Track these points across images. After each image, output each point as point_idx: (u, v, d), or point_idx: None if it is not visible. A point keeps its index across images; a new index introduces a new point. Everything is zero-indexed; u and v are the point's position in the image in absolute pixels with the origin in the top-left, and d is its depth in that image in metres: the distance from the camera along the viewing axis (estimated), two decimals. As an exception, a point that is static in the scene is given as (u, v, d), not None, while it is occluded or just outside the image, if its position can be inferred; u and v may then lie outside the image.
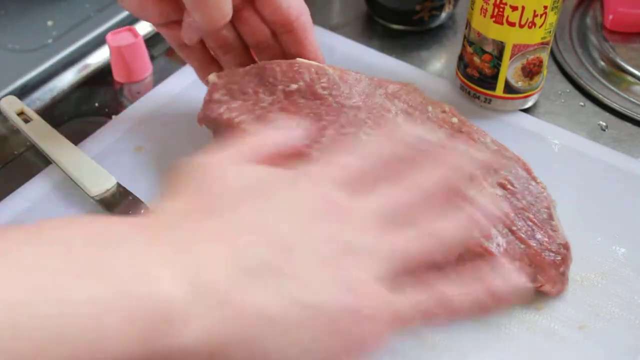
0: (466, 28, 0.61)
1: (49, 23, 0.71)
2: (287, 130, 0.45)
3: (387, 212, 0.39)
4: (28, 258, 0.32)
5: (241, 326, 0.34)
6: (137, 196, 0.54)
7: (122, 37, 0.65)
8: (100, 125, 0.62)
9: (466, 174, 0.43)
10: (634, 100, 0.65)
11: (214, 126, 0.55)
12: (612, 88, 0.66)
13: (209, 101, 0.54)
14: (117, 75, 0.66)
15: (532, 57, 0.59)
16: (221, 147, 0.41)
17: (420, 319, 0.38)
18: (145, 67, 0.66)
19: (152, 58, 0.68)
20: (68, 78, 0.67)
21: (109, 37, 0.64)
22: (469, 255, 0.45)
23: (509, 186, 0.50)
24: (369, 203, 0.39)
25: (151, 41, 0.68)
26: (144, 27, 0.71)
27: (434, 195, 0.40)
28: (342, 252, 0.37)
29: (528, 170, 0.52)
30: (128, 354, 0.32)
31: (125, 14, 0.71)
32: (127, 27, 0.66)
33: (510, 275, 0.41)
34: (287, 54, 0.56)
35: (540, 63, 0.60)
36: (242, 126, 0.52)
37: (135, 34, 0.65)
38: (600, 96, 0.65)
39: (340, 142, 0.49)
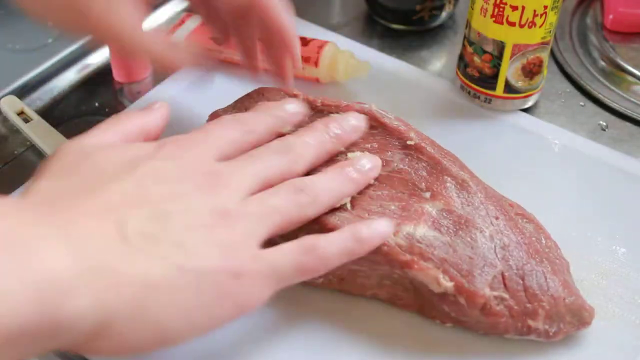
0: (466, 28, 0.61)
1: (49, 23, 0.71)
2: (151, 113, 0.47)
3: (260, 177, 0.42)
4: None
5: (126, 294, 0.35)
6: (137, 196, 0.54)
7: None
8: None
9: (342, 138, 0.48)
10: (634, 100, 0.65)
11: None
12: (613, 88, 0.66)
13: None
14: (117, 75, 0.66)
15: (532, 57, 0.59)
16: (95, 129, 0.44)
17: (296, 272, 0.40)
18: (145, 67, 0.66)
19: None
20: (68, 78, 0.67)
21: None
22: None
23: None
24: (242, 167, 0.42)
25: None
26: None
27: (310, 157, 0.45)
28: (218, 217, 0.39)
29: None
30: (18, 326, 0.32)
31: (125, 14, 0.71)
32: None
33: (377, 223, 0.44)
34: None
35: (540, 63, 0.60)
36: None
37: None
38: (601, 96, 0.65)
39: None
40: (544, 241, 0.48)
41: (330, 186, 0.44)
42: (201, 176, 0.40)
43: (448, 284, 0.44)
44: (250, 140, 0.45)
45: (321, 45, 0.64)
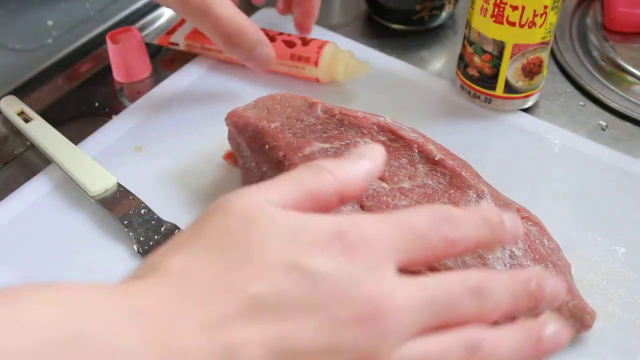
0: (466, 28, 0.61)
1: (49, 23, 0.71)
2: (358, 166, 0.37)
3: (437, 309, 0.33)
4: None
5: None
6: (137, 196, 0.54)
7: (122, 37, 0.65)
8: (100, 125, 0.62)
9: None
10: (634, 100, 0.65)
11: (240, 133, 0.54)
12: (612, 88, 0.66)
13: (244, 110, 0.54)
14: (117, 75, 0.66)
15: (532, 56, 0.59)
16: (258, 186, 0.35)
17: None
18: (145, 67, 0.66)
19: (152, 57, 0.68)
20: (68, 78, 0.67)
21: (109, 37, 0.64)
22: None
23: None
24: (420, 295, 0.32)
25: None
26: (144, 27, 0.71)
27: (494, 309, 0.34)
28: (362, 356, 0.31)
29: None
30: None
31: (125, 13, 0.71)
32: (127, 27, 0.66)
33: (559, 332, 0.36)
34: None
35: (540, 63, 0.60)
36: (281, 136, 0.51)
37: (135, 34, 0.65)
38: (601, 96, 0.65)
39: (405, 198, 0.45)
40: (547, 243, 0.48)
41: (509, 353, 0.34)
42: (364, 307, 0.31)
43: None
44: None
45: (321, 45, 0.64)
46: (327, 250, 0.32)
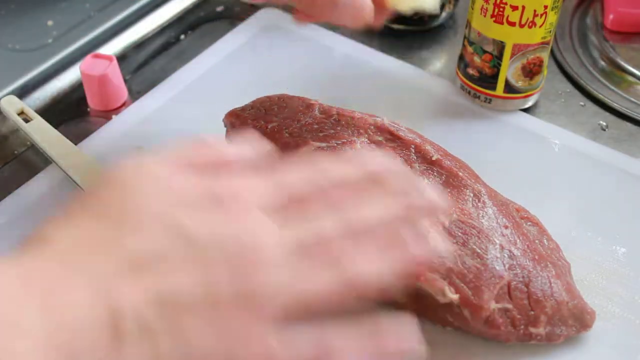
0: (466, 28, 0.61)
1: (49, 23, 0.71)
2: (244, 144, 0.40)
3: (305, 247, 0.35)
4: None
5: None
6: (137, 196, 0.54)
7: (97, 65, 0.62)
8: (100, 125, 0.62)
9: (413, 214, 0.38)
10: (634, 100, 0.65)
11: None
12: (612, 88, 0.66)
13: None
14: (92, 103, 0.64)
15: (532, 56, 0.59)
16: (158, 150, 0.38)
17: None
18: (122, 94, 0.64)
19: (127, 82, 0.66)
20: (68, 78, 0.67)
21: (82, 66, 0.62)
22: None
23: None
24: (289, 235, 0.35)
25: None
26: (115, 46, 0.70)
27: (370, 231, 0.36)
28: (236, 297, 0.33)
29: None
30: None
31: (125, 13, 0.71)
32: (100, 54, 0.63)
33: (406, 339, 0.37)
34: None
35: (540, 63, 0.60)
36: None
37: (110, 60, 0.63)
38: (601, 96, 0.65)
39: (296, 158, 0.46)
40: (546, 243, 0.49)
41: (378, 271, 0.37)
42: (240, 245, 0.34)
43: (454, 296, 0.44)
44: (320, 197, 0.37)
45: None
46: (197, 206, 0.35)
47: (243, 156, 0.39)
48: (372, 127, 0.51)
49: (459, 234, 0.46)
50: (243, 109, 0.54)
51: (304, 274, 0.35)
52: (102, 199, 0.36)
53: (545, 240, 0.49)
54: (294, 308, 0.34)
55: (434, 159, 0.50)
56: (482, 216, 0.47)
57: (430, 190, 0.39)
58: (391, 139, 0.51)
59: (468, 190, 0.49)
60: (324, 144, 0.50)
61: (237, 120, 0.53)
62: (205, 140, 0.39)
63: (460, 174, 0.49)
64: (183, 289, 0.32)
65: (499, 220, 0.47)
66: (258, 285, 0.34)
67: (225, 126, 0.55)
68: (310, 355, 0.35)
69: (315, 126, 0.52)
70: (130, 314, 0.31)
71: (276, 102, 0.54)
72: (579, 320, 0.46)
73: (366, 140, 0.51)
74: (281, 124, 0.52)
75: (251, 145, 0.40)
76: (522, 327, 0.45)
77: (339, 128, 0.51)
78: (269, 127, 0.52)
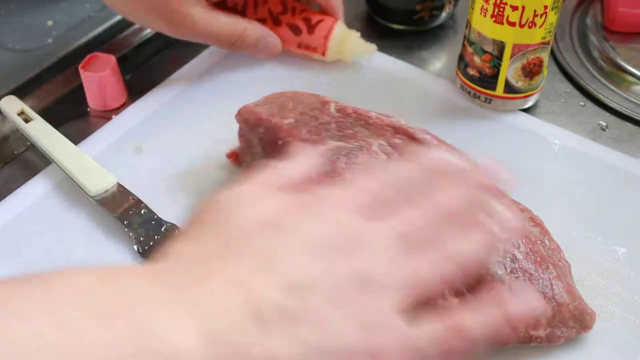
0: (466, 28, 0.61)
1: (49, 23, 0.71)
2: (306, 160, 0.43)
3: (405, 237, 0.37)
4: (37, 308, 0.31)
5: None
6: (137, 196, 0.54)
7: (96, 64, 0.63)
8: (100, 125, 0.62)
9: (486, 195, 0.40)
10: (634, 100, 0.65)
11: (251, 129, 0.54)
12: (612, 88, 0.66)
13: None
14: (92, 103, 0.64)
15: (532, 57, 0.59)
16: (244, 179, 0.40)
17: (440, 355, 0.36)
18: (121, 95, 0.64)
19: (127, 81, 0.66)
20: (68, 78, 0.67)
21: (81, 66, 0.62)
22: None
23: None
24: (386, 228, 0.37)
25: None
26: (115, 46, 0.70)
27: (453, 216, 0.39)
28: (359, 286, 0.35)
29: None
30: None
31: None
32: (100, 53, 0.64)
33: (530, 300, 0.38)
34: None
35: (540, 63, 0.60)
36: (295, 133, 0.51)
37: (110, 60, 0.63)
38: (601, 96, 0.65)
39: (361, 165, 0.48)
40: (548, 243, 0.48)
41: (479, 255, 0.39)
42: (344, 239, 0.36)
43: (453, 300, 0.44)
44: (400, 197, 0.40)
45: (328, 32, 0.64)
46: (302, 215, 0.37)
47: (312, 170, 0.42)
48: (390, 128, 0.51)
49: None
50: (256, 104, 0.54)
51: (415, 261, 0.36)
52: (211, 220, 0.38)
53: (546, 241, 0.49)
54: (414, 296, 0.36)
55: None
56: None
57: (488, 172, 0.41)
58: (409, 141, 0.51)
59: None
60: (342, 144, 0.50)
61: (251, 116, 0.53)
62: (277, 166, 0.41)
63: None
64: (314, 281, 0.34)
65: None
66: (381, 276, 0.35)
67: (238, 122, 0.54)
68: (444, 337, 0.35)
69: (333, 125, 0.51)
70: (269, 302, 0.33)
71: (290, 97, 0.54)
72: (579, 321, 0.46)
73: (385, 142, 0.50)
74: (298, 120, 0.52)
75: (314, 159, 0.43)
76: (522, 329, 0.44)
77: (356, 129, 0.51)
78: (286, 122, 0.51)
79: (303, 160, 0.43)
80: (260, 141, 0.53)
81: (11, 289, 0.32)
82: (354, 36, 0.65)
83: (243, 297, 0.33)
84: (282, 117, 0.52)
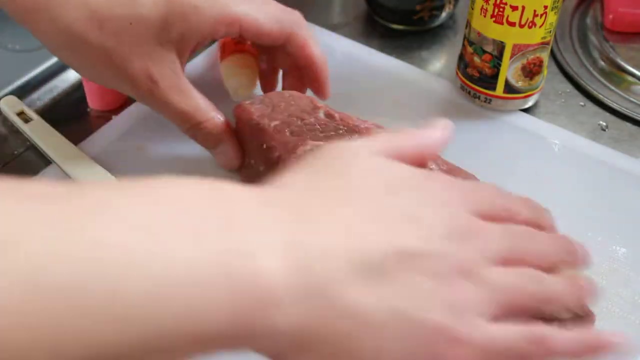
0: (466, 28, 0.61)
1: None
2: (426, 135, 0.42)
3: (512, 247, 0.38)
4: (135, 215, 0.30)
5: (333, 320, 0.32)
6: (137, 196, 0.54)
7: None
8: (100, 125, 0.62)
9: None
10: (634, 100, 0.65)
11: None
12: (612, 88, 0.66)
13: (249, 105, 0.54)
14: (91, 102, 0.64)
15: (532, 57, 0.59)
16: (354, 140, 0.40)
17: (514, 355, 0.36)
18: (120, 95, 0.64)
19: None
20: (68, 78, 0.67)
21: None
22: None
23: None
24: (499, 230, 0.38)
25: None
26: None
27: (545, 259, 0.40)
28: (461, 274, 0.35)
29: None
30: (215, 330, 0.30)
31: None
32: None
33: (612, 336, 0.38)
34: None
35: (540, 63, 0.60)
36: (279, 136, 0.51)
37: None
38: (601, 96, 0.65)
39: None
40: None
41: (563, 289, 0.40)
42: (460, 224, 0.37)
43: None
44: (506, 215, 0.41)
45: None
46: (413, 190, 0.37)
47: (442, 143, 0.41)
48: (369, 131, 0.51)
49: None
50: (252, 102, 0.54)
51: (517, 274, 0.37)
52: (324, 162, 0.38)
53: None
54: (503, 306, 0.36)
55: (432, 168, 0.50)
56: None
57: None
58: None
59: None
60: (321, 143, 0.50)
61: (243, 113, 0.53)
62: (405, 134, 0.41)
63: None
64: (422, 253, 0.34)
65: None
66: (484, 272, 0.36)
67: (235, 118, 0.55)
68: (526, 340, 0.36)
69: (317, 127, 0.52)
70: (374, 257, 0.33)
71: (286, 98, 0.54)
72: (578, 322, 0.46)
73: None
74: (285, 121, 0.52)
75: (444, 131, 0.42)
76: None
77: (340, 132, 0.51)
78: (272, 125, 0.52)
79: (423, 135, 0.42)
80: (249, 142, 0.53)
81: (117, 194, 0.32)
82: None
83: (349, 242, 0.33)
84: (271, 119, 0.52)
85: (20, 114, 0.60)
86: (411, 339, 0.34)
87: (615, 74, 0.67)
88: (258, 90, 0.61)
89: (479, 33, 0.59)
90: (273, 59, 0.59)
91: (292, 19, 0.55)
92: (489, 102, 0.62)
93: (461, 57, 0.63)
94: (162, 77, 0.52)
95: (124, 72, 0.51)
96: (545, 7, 0.56)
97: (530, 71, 0.60)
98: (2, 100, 0.62)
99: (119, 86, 0.54)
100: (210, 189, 0.33)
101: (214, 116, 0.54)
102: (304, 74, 0.57)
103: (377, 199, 0.36)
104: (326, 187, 0.36)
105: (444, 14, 0.71)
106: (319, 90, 0.57)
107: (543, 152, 0.60)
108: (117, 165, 0.57)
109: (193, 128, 0.54)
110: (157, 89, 0.52)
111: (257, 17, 0.53)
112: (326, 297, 0.32)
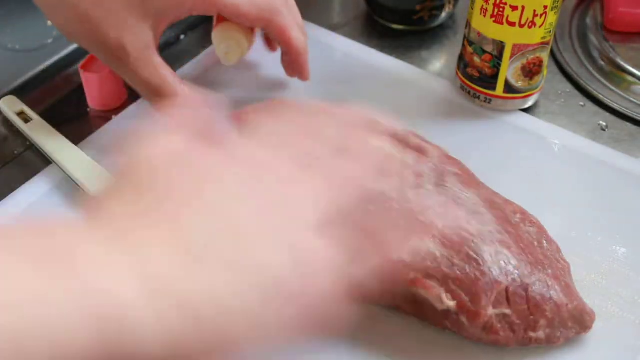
0: (466, 28, 0.61)
1: (49, 23, 0.71)
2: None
3: (303, 159, 0.40)
4: None
5: (195, 316, 0.32)
6: (137, 196, 0.54)
7: (96, 65, 0.62)
8: (100, 125, 0.62)
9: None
10: (634, 100, 0.65)
11: None
12: (612, 88, 0.66)
13: None
14: (91, 102, 0.64)
15: (532, 57, 0.59)
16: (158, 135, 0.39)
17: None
18: (121, 94, 0.64)
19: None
20: (68, 78, 0.67)
21: (81, 66, 0.62)
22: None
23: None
24: (285, 152, 0.40)
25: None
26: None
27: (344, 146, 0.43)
28: (276, 207, 0.36)
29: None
30: (82, 350, 0.30)
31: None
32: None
33: None
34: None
35: (540, 63, 0.60)
36: None
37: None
38: (601, 96, 0.65)
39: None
40: (545, 244, 0.48)
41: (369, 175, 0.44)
42: (255, 169, 0.38)
43: (451, 303, 0.44)
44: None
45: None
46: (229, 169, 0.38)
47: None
48: None
49: (455, 239, 0.46)
50: (246, 110, 0.54)
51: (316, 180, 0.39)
52: (136, 184, 0.37)
53: (544, 241, 0.48)
54: (326, 212, 0.37)
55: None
56: (478, 220, 0.47)
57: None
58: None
59: (463, 194, 0.48)
60: None
61: (236, 121, 0.53)
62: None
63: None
64: (239, 216, 0.35)
65: (495, 224, 0.47)
66: (288, 196, 0.37)
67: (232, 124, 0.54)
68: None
69: None
70: (199, 240, 0.34)
71: (284, 107, 0.54)
72: (578, 322, 0.46)
73: None
74: None
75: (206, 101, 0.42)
76: (522, 331, 0.44)
77: None
78: None
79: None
80: None
81: None
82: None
83: (172, 240, 0.33)
84: None
85: (20, 114, 0.60)
86: (274, 300, 0.34)
87: (615, 74, 0.67)
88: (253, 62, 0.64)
89: (478, 33, 0.59)
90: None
91: (271, 5, 0.57)
92: (489, 102, 0.62)
93: (461, 57, 0.63)
94: (134, 49, 0.53)
95: (98, 38, 0.53)
96: (545, 7, 0.56)
97: (530, 71, 0.60)
98: (2, 100, 0.62)
99: (93, 50, 0.56)
100: (39, 228, 0.33)
101: (181, 89, 0.55)
102: (285, 58, 0.60)
103: (173, 186, 0.36)
104: (140, 209, 0.35)
105: (444, 14, 0.71)
106: (299, 73, 0.61)
107: (543, 152, 0.60)
108: (117, 165, 0.57)
109: (160, 100, 0.54)
110: (128, 60, 0.54)
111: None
112: (178, 297, 0.32)
